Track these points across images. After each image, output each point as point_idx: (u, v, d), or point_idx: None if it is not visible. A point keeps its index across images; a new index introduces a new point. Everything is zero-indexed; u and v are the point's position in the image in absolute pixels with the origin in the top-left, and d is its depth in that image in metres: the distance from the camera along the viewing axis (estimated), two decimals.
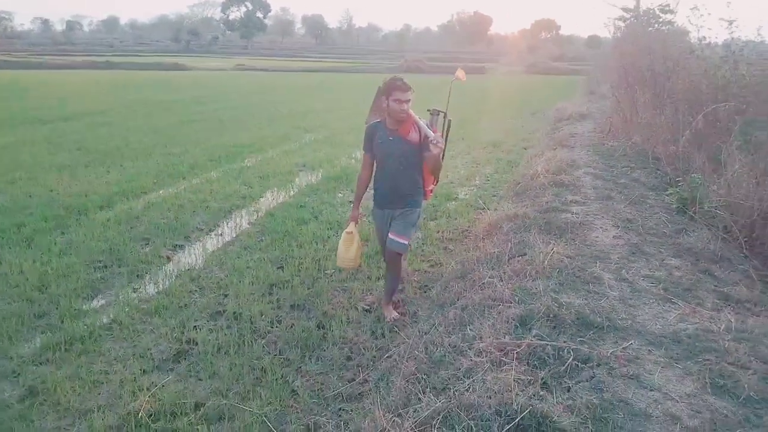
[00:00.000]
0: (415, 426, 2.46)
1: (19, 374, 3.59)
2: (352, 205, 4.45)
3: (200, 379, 3.53)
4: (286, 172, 9.42)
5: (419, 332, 3.69)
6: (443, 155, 4.06)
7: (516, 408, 2.45)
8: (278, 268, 5.28)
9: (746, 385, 2.86)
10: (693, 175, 6.20)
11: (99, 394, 3.38)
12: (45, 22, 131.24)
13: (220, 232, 6.41)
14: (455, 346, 3.19)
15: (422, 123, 3.85)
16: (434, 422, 2.43)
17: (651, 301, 3.86)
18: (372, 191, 4.28)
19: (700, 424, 2.59)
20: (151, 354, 3.82)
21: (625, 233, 5.18)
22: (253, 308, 4.41)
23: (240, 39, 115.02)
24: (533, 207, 5.85)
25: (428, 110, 4.09)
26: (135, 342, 3.97)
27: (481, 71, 45.79)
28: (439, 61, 60.86)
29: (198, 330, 4.11)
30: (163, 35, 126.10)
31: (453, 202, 7.56)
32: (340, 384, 3.47)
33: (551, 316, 3.39)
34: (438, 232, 6.31)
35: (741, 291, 4.15)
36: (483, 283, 4.03)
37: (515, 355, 2.91)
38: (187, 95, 23.37)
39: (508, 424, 2.38)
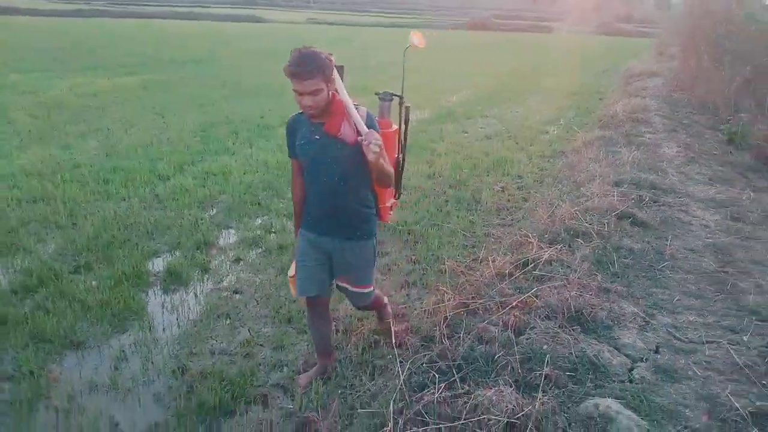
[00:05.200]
0: (562, 217, 4.66)
1: None
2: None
3: None
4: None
5: (545, 194, 5.89)
6: (402, 159, 3.01)
7: (617, 209, 4.64)
8: (429, 166, 7.51)
9: (750, 217, 4.98)
10: (741, 114, 8.11)
11: None
12: None
13: None
14: (577, 193, 5.39)
15: (357, 113, 2.47)
16: (574, 215, 4.64)
17: (699, 184, 5.95)
18: None
19: (722, 229, 4.73)
20: None
21: (684, 151, 7.21)
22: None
23: None
24: (615, 133, 7.90)
25: (376, 94, 3.01)
26: None
27: (549, 30, 46.45)
28: (504, 18, 61.25)
29: None
30: None
31: (546, 135, 9.62)
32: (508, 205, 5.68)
33: (634, 182, 5.53)
34: (537, 152, 8.42)
35: (763, 184, 6.18)
36: (587, 170, 6.18)
37: (614, 195, 5.08)
38: (280, 45, 25.66)
39: (614, 214, 4.58)
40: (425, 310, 3.48)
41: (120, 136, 8.27)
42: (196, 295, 4.15)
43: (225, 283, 4.31)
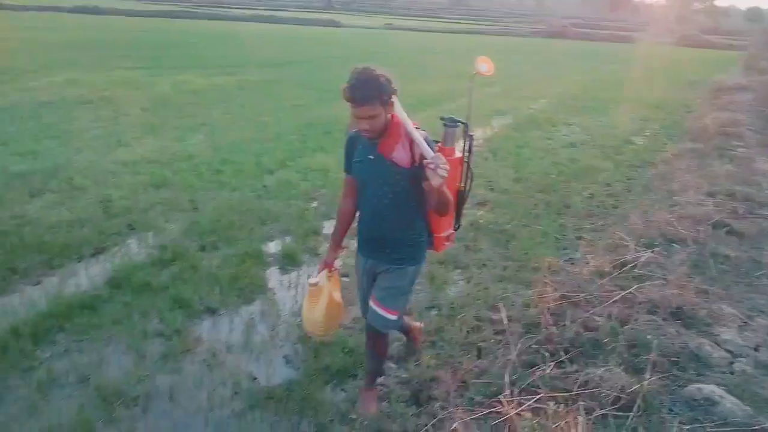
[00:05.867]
0: (657, 223, 4.81)
1: None
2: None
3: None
4: (484, 115, 11.83)
5: (636, 201, 6.00)
6: (467, 186, 2.88)
7: (712, 218, 4.75)
8: (516, 171, 7.72)
9: None
10: None
11: None
12: None
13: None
14: (670, 202, 5.51)
15: (420, 135, 2.41)
16: (670, 222, 4.77)
17: None
18: None
19: None
20: None
21: None
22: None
23: None
24: (706, 146, 7.87)
25: (441, 119, 2.87)
26: None
27: (630, 40, 45.32)
28: (583, 27, 60.00)
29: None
30: None
31: (632, 145, 9.62)
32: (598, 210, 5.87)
33: (728, 194, 5.58)
34: (625, 162, 8.46)
35: None
36: (679, 180, 6.25)
37: (708, 204, 5.17)
38: (360, 50, 26.33)
39: (709, 223, 4.69)
40: (528, 300, 3.75)
41: (225, 132, 8.91)
42: (309, 276, 4.55)
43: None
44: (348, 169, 2.75)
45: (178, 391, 3.17)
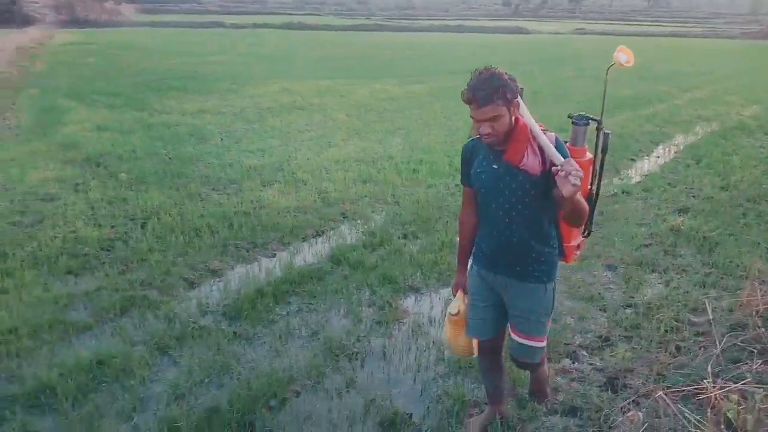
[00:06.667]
0: None
1: None
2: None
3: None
4: (685, 121, 11.15)
5: None
6: (595, 192, 2.69)
7: None
8: (722, 179, 7.23)
9: None
10: None
11: None
12: None
13: (659, 153, 8.61)
14: None
15: (547, 138, 2.24)
16: None
17: None
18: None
19: None
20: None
21: None
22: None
23: (568, 2, 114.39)
24: None
25: (569, 117, 2.73)
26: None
27: None
28: None
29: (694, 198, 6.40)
30: None
31: None
32: None
33: None
34: None
35: None
36: None
37: None
38: (547, 56, 25.91)
39: None
40: (733, 305, 3.66)
41: (419, 135, 9.53)
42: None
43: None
44: (466, 181, 2.52)
45: (390, 351, 3.65)
